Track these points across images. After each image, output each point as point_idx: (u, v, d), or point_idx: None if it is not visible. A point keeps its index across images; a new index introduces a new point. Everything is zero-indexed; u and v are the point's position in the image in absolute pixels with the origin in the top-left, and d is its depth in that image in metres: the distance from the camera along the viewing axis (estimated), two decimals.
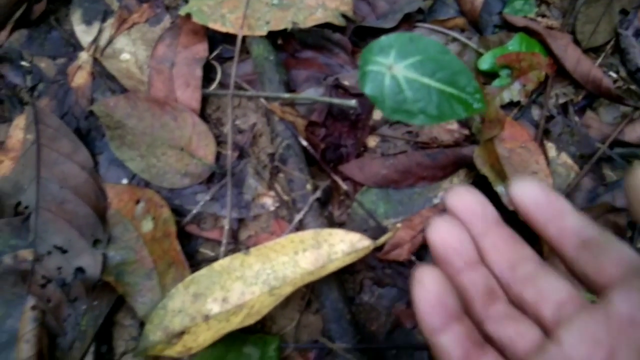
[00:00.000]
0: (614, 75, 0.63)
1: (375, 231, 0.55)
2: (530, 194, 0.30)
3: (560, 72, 0.62)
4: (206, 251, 0.57)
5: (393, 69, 0.39)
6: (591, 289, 0.28)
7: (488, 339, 0.31)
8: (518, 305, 0.31)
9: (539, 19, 0.65)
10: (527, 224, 0.30)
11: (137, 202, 0.56)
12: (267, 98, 0.59)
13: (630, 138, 0.59)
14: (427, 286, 0.29)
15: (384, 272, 0.54)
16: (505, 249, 0.31)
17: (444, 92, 0.40)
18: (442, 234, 0.31)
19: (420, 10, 0.65)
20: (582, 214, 0.29)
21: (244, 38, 0.61)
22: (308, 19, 0.61)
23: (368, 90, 0.40)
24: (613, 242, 0.28)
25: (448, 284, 0.29)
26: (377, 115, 0.61)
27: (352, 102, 0.54)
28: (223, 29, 0.61)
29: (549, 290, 0.29)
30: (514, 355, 0.29)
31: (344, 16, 0.62)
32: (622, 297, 0.26)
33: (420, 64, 0.39)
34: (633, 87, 0.62)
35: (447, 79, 0.40)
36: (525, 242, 0.32)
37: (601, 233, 0.28)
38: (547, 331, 0.29)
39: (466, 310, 0.31)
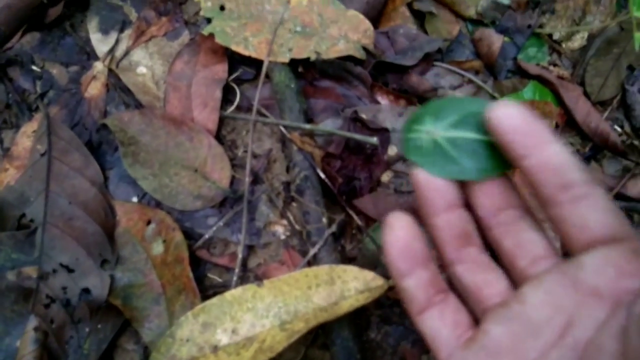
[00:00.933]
0: (618, 129, 0.65)
1: (386, 268, 0.55)
2: (510, 116, 0.29)
3: (570, 122, 0.64)
4: (214, 277, 0.56)
5: (432, 133, 0.39)
6: (564, 239, 0.28)
7: (454, 285, 0.31)
8: (495, 250, 0.30)
9: (551, 67, 0.67)
10: (505, 152, 0.29)
11: (148, 222, 0.55)
12: (287, 127, 0.58)
13: (632, 193, 0.61)
14: (396, 231, 0.30)
15: (392, 310, 0.55)
16: (495, 193, 0.31)
17: (489, 144, 0.40)
18: (427, 175, 0.32)
19: (439, 50, 0.66)
20: (566, 148, 0.27)
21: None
22: (330, 50, 0.62)
23: (413, 157, 0.39)
24: (598, 197, 0.26)
25: (417, 230, 0.30)
26: (391, 150, 0.62)
27: (374, 140, 0.54)
28: (245, 52, 0.61)
29: (527, 242, 0.29)
30: (477, 303, 0.30)
31: (365, 49, 0.63)
32: (594, 265, 0.25)
33: (459, 122, 0.40)
34: (636, 142, 0.64)
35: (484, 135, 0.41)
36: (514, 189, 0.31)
37: (586, 180, 0.26)
38: (515, 283, 0.29)
39: (438, 252, 0.31)
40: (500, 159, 0.38)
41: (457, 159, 0.39)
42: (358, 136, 0.55)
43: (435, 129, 0.40)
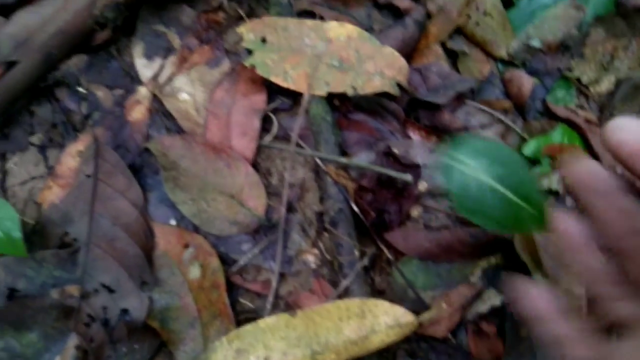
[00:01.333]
0: None
1: (414, 303, 0.57)
2: (628, 133, 0.27)
3: None
4: (246, 302, 0.58)
5: (479, 177, 0.41)
6: None
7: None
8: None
9: (578, 110, 0.69)
10: (623, 166, 0.28)
11: (186, 246, 0.57)
12: (322, 159, 0.60)
13: None
14: None
15: (419, 345, 0.56)
16: None
17: (511, 202, 0.42)
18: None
19: (470, 89, 0.68)
20: None
21: (301, 93, 0.63)
22: (366, 85, 0.64)
23: (448, 184, 0.42)
24: None
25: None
26: (422, 186, 0.63)
27: (408, 177, 0.56)
28: (285, 84, 0.63)
29: None
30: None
31: (399, 86, 0.65)
32: None
33: (490, 167, 0.41)
34: None
35: (514, 188, 0.43)
36: None
37: None
38: None
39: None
40: (510, 220, 0.40)
41: (478, 201, 0.41)
42: (392, 172, 0.57)
43: (482, 175, 0.42)
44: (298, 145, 0.63)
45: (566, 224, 0.32)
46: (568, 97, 0.70)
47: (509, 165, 0.43)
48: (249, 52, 0.64)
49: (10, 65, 0.61)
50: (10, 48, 0.61)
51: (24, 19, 0.62)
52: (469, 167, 0.42)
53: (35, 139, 0.61)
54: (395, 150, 0.63)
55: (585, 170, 0.29)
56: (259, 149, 0.64)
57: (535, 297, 0.32)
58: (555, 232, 0.32)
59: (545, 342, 0.31)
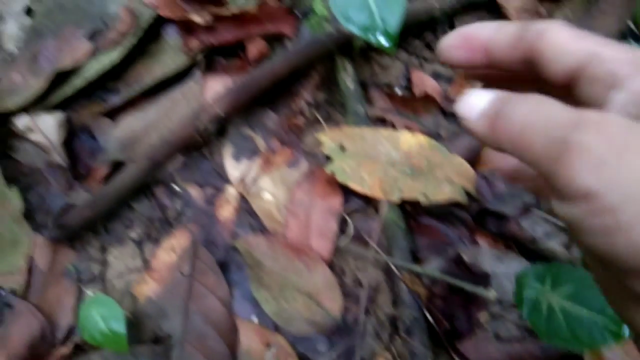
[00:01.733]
0: None
1: None
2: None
3: None
4: None
5: (549, 297, 0.45)
6: None
7: None
8: None
9: None
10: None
11: (267, 345, 0.61)
12: (397, 265, 0.64)
13: None
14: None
15: None
16: None
17: (595, 324, 0.45)
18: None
19: (535, 198, 0.71)
20: None
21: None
22: (436, 193, 0.68)
23: (527, 316, 0.45)
24: None
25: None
26: (490, 294, 0.66)
27: (491, 294, 0.60)
28: (361, 190, 0.68)
29: None
30: None
31: (467, 193, 0.69)
32: None
33: (574, 294, 0.45)
34: None
35: (598, 310, 0.46)
36: None
37: None
38: None
39: None
40: (597, 339, 0.43)
41: (565, 328, 0.44)
42: (466, 285, 0.61)
43: (552, 295, 0.45)
44: (366, 243, 0.67)
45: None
46: None
47: (578, 282, 0.46)
48: (328, 158, 0.70)
49: (117, 165, 0.68)
50: (117, 150, 0.68)
51: (129, 123, 0.70)
52: (538, 289, 0.46)
53: (134, 233, 0.67)
54: (465, 258, 0.66)
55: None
56: (335, 249, 0.68)
57: None
58: None
59: None
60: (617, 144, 0.21)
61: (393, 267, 0.65)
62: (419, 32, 0.82)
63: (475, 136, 0.26)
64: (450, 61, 0.30)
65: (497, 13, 0.83)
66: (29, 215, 0.67)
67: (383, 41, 0.52)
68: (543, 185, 0.30)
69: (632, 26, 0.81)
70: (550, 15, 0.83)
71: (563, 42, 0.25)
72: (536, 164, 0.23)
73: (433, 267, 0.66)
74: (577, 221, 0.22)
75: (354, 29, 0.52)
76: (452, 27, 0.82)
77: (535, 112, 0.24)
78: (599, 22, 0.83)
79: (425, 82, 0.78)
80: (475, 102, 0.26)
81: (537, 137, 0.23)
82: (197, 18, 0.70)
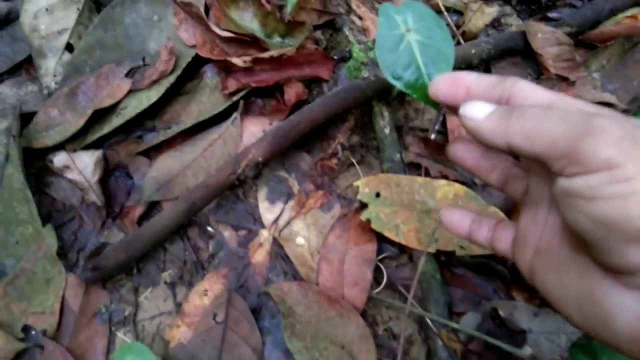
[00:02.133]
0: None
1: None
2: None
3: None
4: None
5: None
6: None
7: None
8: None
9: None
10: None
11: None
12: (433, 320, 0.63)
13: None
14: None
15: None
16: None
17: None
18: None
19: None
20: None
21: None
22: (474, 245, 0.67)
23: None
24: None
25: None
26: (526, 350, 0.65)
27: (527, 352, 0.58)
28: (396, 239, 0.67)
29: None
30: None
31: None
32: None
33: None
34: None
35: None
36: None
37: None
38: None
39: None
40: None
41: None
42: (504, 345, 0.59)
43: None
44: (398, 292, 0.66)
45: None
46: None
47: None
48: (363, 204, 0.69)
49: (152, 205, 0.68)
50: (153, 190, 0.68)
51: (166, 163, 0.70)
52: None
53: (167, 275, 0.66)
54: (501, 313, 0.65)
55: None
56: (369, 298, 0.67)
57: None
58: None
59: None
60: (629, 127, 0.26)
61: (429, 322, 0.64)
62: None
63: (478, 133, 0.33)
64: (436, 94, 0.38)
65: (532, 59, 0.83)
66: (62, 253, 0.67)
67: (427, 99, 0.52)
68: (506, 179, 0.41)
69: None
70: (586, 63, 0.83)
71: (532, 89, 0.33)
72: (552, 148, 0.28)
73: (469, 321, 0.65)
74: (593, 190, 0.26)
75: (399, 86, 0.51)
76: (487, 72, 0.82)
77: (548, 110, 0.29)
78: (633, 72, 0.83)
79: (460, 128, 0.78)
80: (482, 106, 0.34)
81: (556, 125, 0.28)
82: (237, 60, 0.70)
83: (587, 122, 0.27)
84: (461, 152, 0.42)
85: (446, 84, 0.37)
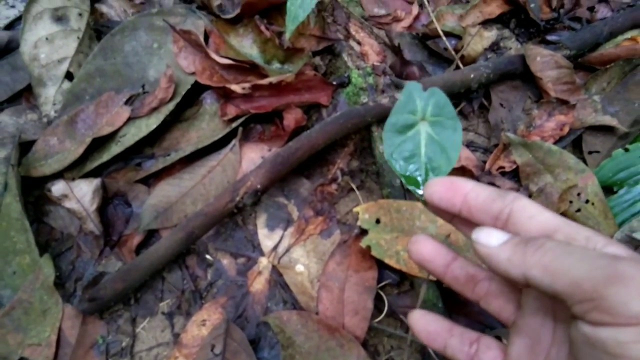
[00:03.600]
0: None
1: None
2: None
3: None
4: None
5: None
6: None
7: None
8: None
9: None
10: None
11: None
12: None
13: None
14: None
15: None
16: None
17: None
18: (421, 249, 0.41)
19: None
20: None
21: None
22: None
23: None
24: None
25: None
26: None
27: None
28: (397, 266, 0.66)
29: None
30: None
31: None
32: None
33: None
34: None
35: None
36: None
37: None
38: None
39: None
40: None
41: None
42: None
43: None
44: (400, 320, 0.65)
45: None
46: None
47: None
48: (363, 231, 0.68)
49: (150, 232, 0.67)
50: (151, 218, 0.68)
51: (164, 191, 0.69)
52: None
53: (165, 305, 0.66)
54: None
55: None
56: (370, 327, 0.66)
57: None
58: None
59: None
60: None
61: (431, 352, 0.62)
62: (454, 101, 0.81)
63: (492, 262, 0.31)
64: (431, 197, 0.37)
65: (532, 83, 0.83)
66: (60, 283, 0.66)
67: (417, 191, 0.50)
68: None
69: None
70: (586, 86, 0.83)
71: (536, 209, 0.32)
72: (575, 288, 0.26)
73: None
74: (622, 347, 0.24)
75: (395, 168, 0.50)
76: (487, 96, 0.82)
77: (567, 246, 0.28)
78: (634, 94, 0.83)
79: (460, 153, 0.77)
80: (497, 234, 0.32)
81: (579, 264, 0.26)
82: (236, 87, 0.71)
83: (612, 267, 0.25)
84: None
85: (443, 188, 0.36)
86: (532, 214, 0.32)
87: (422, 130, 0.50)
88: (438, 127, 0.50)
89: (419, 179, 0.47)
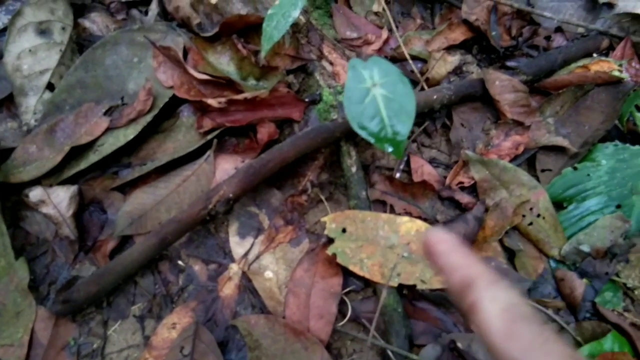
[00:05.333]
0: None
1: None
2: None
3: None
4: None
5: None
6: None
7: None
8: None
9: (626, 314, 0.74)
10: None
11: None
12: (394, 352, 0.66)
13: None
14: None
15: None
16: None
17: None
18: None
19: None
20: None
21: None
22: (433, 279, 0.71)
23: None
24: None
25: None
26: None
27: None
28: (361, 273, 0.70)
29: None
30: None
31: None
32: None
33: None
34: None
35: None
36: None
37: None
38: None
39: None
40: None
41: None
42: None
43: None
44: (364, 326, 0.69)
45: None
46: (615, 299, 0.76)
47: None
48: (330, 240, 0.72)
49: (124, 239, 0.70)
50: (126, 224, 0.70)
51: (139, 199, 0.72)
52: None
53: (136, 309, 0.68)
54: (459, 345, 0.68)
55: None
56: (333, 331, 0.70)
57: None
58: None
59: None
60: None
61: (390, 354, 0.66)
62: (418, 120, 0.87)
63: None
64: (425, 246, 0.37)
65: (491, 105, 0.89)
66: (34, 286, 0.68)
67: (390, 149, 0.56)
68: None
69: (619, 125, 0.88)
70: (540, 109, 0.89)
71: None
72: None
73: (429, 353, 0.68)
74: None
75: (365, 135, 0.56)
76: (449, 116, 0.88)
77: None
78: (585, 117, 0.89)
79: (423, 168, 0.82)
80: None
81: None
82: (212, 101, 0.74)
83: None
84: None
85: (427, 245, 0.36)
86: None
87: (376, 93, 0.56)
88: (389, 86, 0.56)
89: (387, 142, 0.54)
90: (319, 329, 0.69)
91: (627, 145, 0.84)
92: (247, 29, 0.86)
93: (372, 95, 0.59)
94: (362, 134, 0.56)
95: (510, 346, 0.29)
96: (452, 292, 0.34)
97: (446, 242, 0.36)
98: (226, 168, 0.76)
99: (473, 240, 0.79)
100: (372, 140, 0.56)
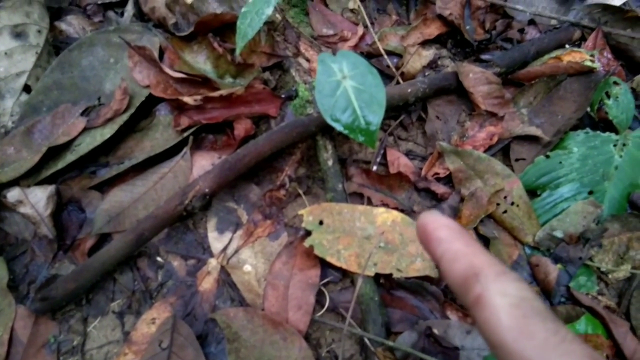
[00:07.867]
0: None
1: None
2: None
3: (619, 354, 0.71)
4: None
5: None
6: None
7: None
8: None
9: (599, 297, 0.76)
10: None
11: None
12: (371, 340, 0.67)
13: None
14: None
15: None
16: None
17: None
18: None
19: None
20: None
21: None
22: (409, 268, 0.72)
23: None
24: None
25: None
26: None
27: None
28: (338, 264, 0.71)
29: None
30: None
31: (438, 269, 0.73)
32: None
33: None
34: None
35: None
36: None
37: None
38: None
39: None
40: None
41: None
42: None
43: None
44: (343, 317, 0.70)
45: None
46: (589, 283, 0.77)
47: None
48: (308, 232, 0.73)
49: (103, 237, 0.71)
50: (104, 222, 0.71)
51: (117, 197, 0.73)
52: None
53: (115, 305, 0.69)
54: (435, 331, 0.69)
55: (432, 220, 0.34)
56: (312, 321, 0.71)
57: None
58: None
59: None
60: None
61: (367, 341, 0.67)
62: (394, 113, 0.88)
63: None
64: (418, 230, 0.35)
65: (465, 97, 0.90)
66: (13, 286, 0.69)
67: (363, 139, 0.57)
68: None
69: (591, 113, 0.89)
70: (514, 100, 0.91)
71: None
72: None
73: (405, 340, 0.69)
74: None
75: (338, 127, 0.57)
76: (425, 109, 0.89)
77: None
78: (558, 107, 0.91)
79: (399, 160, 0.84)
80: None
81: None
82: (188, 99, 0.75)
83: None
84: None
85: (422, 229, 0.35)
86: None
87: (347, 85, 0.57)
88: (359, 78, 0.58)
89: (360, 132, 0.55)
90: (298, 320, 0.69)
91: (598, 132, 0.86)
92: (223, 28, 0.87)
93: (342, 87, 0.60)
94: (336, 126, 0.57)
95: (522, 345, 0.26)
96: (452, 284, 0.31)
97: (446, 227, 0.34)
98: (203, 164, 0.76)
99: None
100: (345, 132, 0.57)
